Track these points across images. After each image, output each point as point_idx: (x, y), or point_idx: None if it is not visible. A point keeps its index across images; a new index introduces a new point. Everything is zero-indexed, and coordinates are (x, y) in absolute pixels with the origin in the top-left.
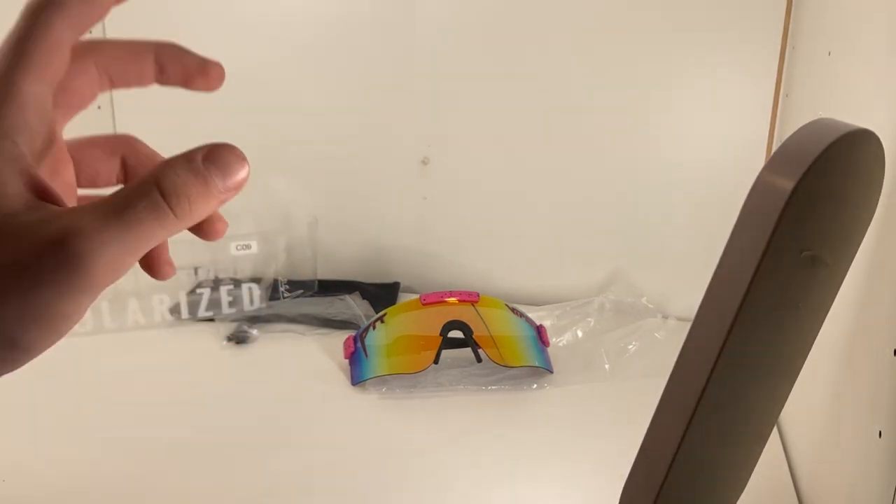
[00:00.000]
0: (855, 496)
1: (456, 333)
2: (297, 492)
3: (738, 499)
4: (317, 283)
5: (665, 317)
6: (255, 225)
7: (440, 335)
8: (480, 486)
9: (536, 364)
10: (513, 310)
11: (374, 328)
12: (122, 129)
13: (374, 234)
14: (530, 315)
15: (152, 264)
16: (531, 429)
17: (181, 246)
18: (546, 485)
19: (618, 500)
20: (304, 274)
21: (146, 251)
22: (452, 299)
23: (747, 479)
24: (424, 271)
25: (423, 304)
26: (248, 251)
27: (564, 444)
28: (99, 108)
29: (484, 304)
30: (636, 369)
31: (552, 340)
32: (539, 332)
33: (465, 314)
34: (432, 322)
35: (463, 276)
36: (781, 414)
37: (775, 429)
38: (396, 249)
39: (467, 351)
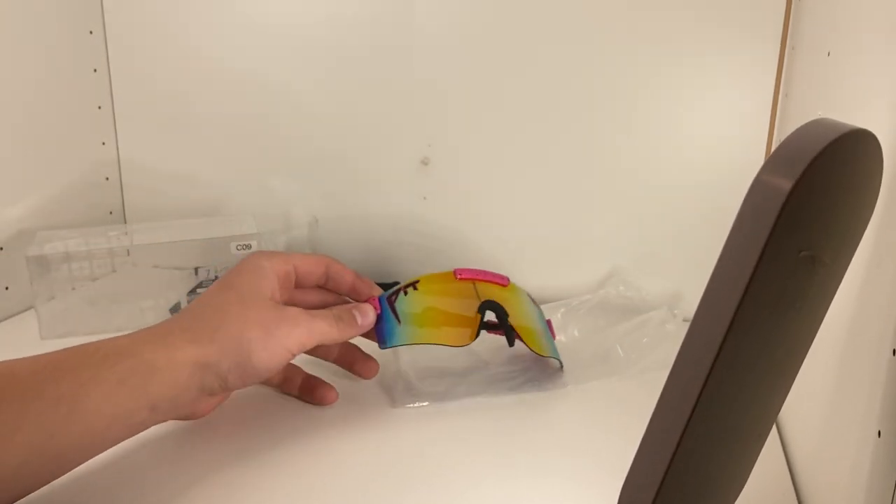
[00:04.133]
0: (854, 495)
1: (489, 316)
2: (304, 496)
3: (737, 497)
4: None
5: (673, 310)
6: (255, 225)
7: (478, 313)
8: (479, 484)
9: (553, 355)
10: (532, 300)
11: (405, 293)
12: (123, 130)
13: (374, 233)
14: None
15: (354, 364)
16: (542, 429)
17: (181, 246)
18: (546, 483)
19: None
20: None
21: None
22: (486, 279)
23: (746, 478)
24: (424, 271)
25: (458, 279)
26: (248, 251)
27: (571, 443)
28: (100, 108)
29: (512, 290)
30: (648, 363)
31: (558, 337)
32: (548, 325)
33: (497, 296)
34: (469, 299)
35: None
36: (780, 413)
37: (774, 428)
38: (396, 249)
39: (479, 352)
